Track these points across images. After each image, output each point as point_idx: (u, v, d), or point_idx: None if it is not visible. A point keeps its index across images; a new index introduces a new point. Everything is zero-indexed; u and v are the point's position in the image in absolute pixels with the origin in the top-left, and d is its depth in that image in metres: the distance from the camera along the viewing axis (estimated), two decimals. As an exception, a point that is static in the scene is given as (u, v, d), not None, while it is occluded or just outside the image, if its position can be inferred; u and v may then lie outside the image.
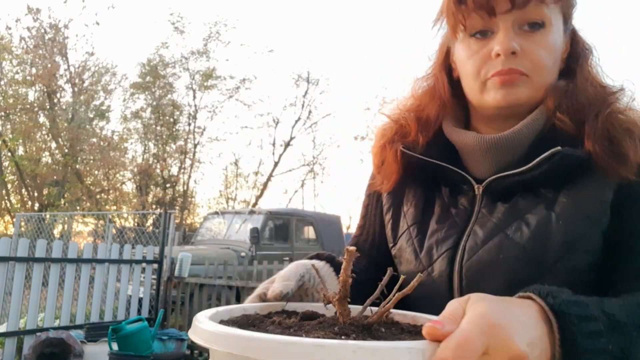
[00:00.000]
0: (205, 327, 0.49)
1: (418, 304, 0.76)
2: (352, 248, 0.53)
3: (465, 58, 0.79)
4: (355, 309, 0.59)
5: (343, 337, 0.48)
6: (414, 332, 0.58)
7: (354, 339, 0.48)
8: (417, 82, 0.90)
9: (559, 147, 0.70)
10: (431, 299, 0.74)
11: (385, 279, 0.59)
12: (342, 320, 0.54)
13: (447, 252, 0.77)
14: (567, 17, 0.79)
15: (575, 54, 0.81)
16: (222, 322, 0.56)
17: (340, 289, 0.55)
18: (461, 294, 0.70)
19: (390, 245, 0.88)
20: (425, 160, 0.81)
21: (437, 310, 0.69)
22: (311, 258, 0.79)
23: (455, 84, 0.85)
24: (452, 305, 0.49)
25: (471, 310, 0.47)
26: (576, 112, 0.74)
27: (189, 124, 18.25)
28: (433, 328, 0.45)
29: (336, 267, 0.77)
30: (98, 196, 16.63)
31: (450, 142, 0.84)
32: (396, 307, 0.55)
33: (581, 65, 0.79)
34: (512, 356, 0.44)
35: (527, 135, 0.76)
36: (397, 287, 0.56)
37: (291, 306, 0.67)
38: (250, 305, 0.66)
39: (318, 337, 0.47)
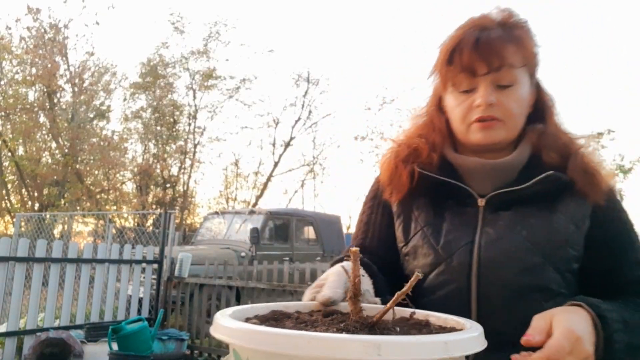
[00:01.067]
0: (221, 322, 0.55)
1: (436, 290, 0.96)
2: (356, 249, 0.56)
3: (454, 106, 1.00)
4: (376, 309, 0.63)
5: (344, 332, 0.54)
6: (426, 332, 0.62)
7: (352, 333, 0.54)
8: (414, 119, 1.11)
9: (552, 171, 0.93)
10: (449, 285, 0.94)
11: (410, 283, 0.62)
12: (351, 318, 0.60)
13: (466, 245, 0.94)
14: (532, 75, 1.00)
15: (542, 102, 1.03)
16: (247, 319, 0.62)
17: (351, 288, 0.61)
18: (478, 280, 0.92)
19: (401, 244, 1.04)
20: (437, 178, 0.99)
21: (453, 295, 0.94)
22: (341, 259, 0.88)
23: (447, 122, 1.05)
24: (539, 321, 0.74)
25: (560, 325, 0.72)
26: (558, 149, 0.97)
27: (189, 124, 18.28)
28: (527, 340, 0.71)
29: (364, 265, 0.87)
30: (98, 196, 16.65)
31: (450, 164, 1.02)
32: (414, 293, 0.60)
33: (549, 117, 1.02)
34: (585, 357, 0.71)
35: (519, 161, 0.98)
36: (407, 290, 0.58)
37: (342, 306, 0.72)
38: (289, 303, 0.73)
39: (321, 332, 0.53)
